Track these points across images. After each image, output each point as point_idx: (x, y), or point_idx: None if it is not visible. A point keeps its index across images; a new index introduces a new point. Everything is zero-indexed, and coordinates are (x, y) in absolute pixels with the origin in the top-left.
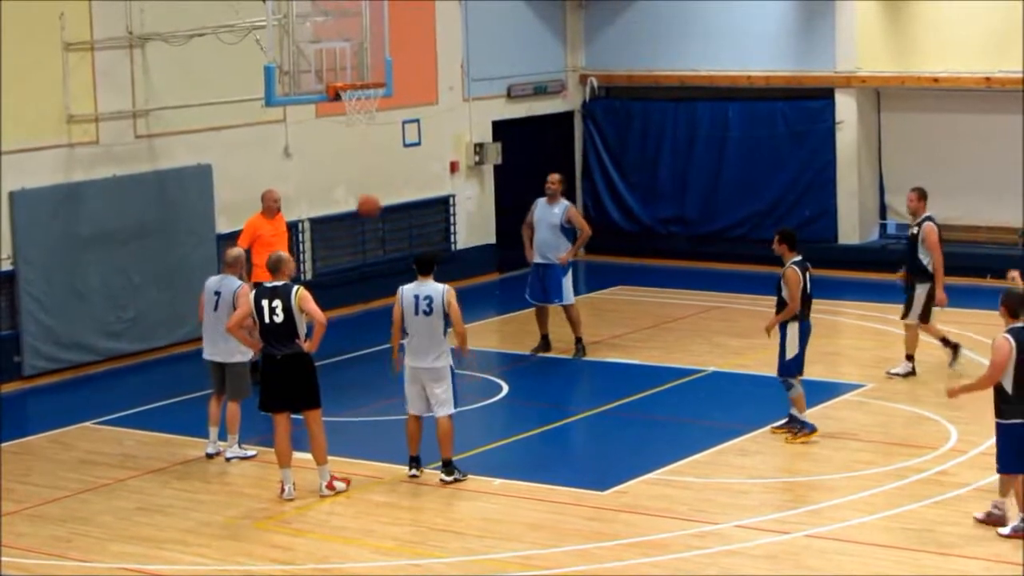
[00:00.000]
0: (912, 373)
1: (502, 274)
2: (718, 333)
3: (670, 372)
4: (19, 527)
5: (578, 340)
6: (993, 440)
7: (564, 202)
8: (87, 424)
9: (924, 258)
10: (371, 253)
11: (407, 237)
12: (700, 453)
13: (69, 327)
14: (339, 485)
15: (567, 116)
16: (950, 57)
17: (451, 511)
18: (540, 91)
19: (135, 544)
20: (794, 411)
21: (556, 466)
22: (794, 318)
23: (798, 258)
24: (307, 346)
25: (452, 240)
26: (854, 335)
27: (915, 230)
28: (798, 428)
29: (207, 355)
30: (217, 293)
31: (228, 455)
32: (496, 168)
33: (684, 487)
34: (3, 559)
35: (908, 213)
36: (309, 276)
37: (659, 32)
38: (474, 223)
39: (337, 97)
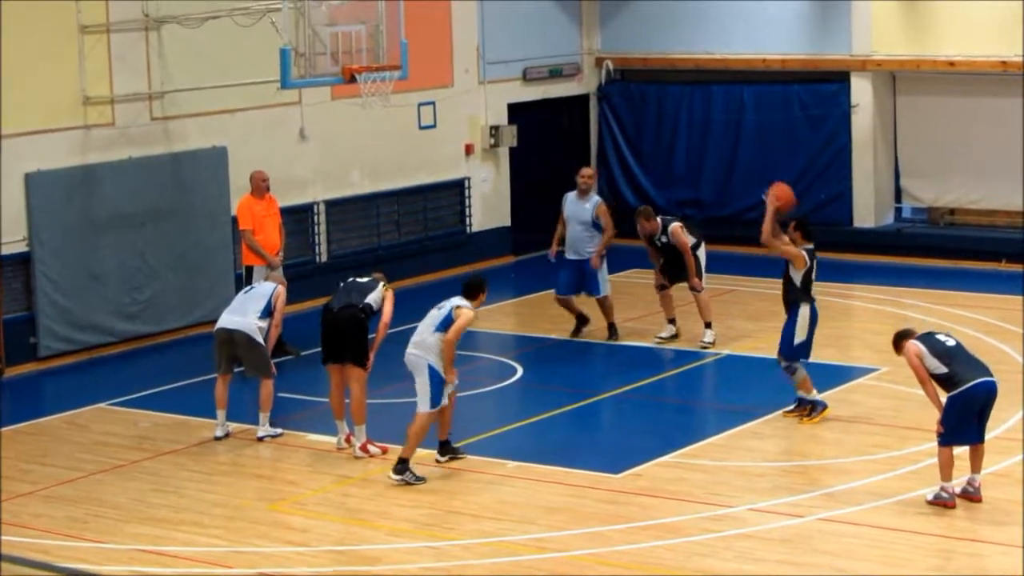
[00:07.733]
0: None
1: (517, 257)
2: (732, 316)
3: (684, 355)
4: (35, 508)
5: (611, 325)
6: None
7: (595, 197)
8: (102, 405)
9: None
10: (386, 236)
11: (422, 220)
12: (715, 436)
13: (84, 309)
14: (373, 450)
15: (582, 99)
16: (966, 41)
17: (466, 493)
18: (555, 74)
19: (150, 525)
20: (801, 393)
21: (571, 449)
22: (806, 300)
23: (809, 246)
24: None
25: (467, 223)
26: (868, 318)
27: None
28: (809, 408)
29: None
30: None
31: (260, 434)
32: (511, 151)
33: (699, 470)
34: (20, 540)
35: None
36: (324, 259)
37: (675, 15)
38: (489, 206)
39: (352, 80)
